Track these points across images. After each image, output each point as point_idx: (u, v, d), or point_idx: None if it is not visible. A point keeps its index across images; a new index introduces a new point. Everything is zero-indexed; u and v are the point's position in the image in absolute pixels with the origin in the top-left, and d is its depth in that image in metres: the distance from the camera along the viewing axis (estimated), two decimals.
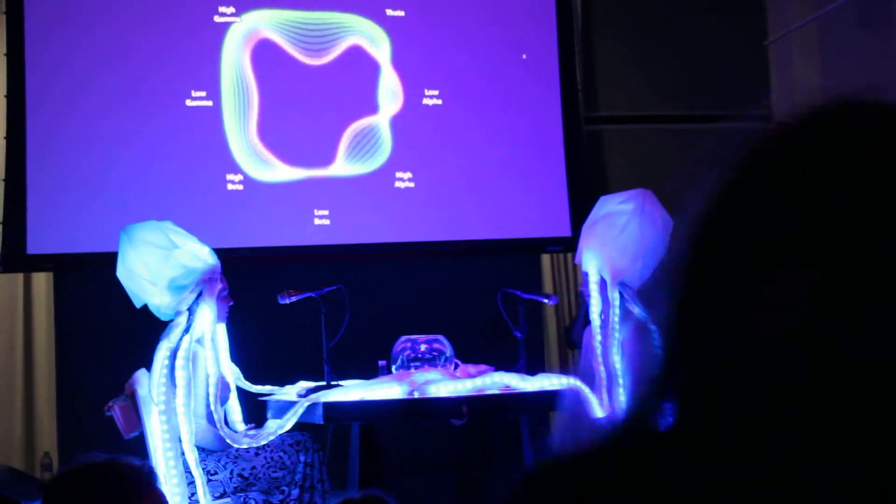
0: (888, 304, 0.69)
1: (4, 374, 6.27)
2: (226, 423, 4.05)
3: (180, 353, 3.85)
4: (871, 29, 7.34)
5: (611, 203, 4.39)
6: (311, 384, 4.21)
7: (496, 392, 4.02)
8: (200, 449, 3.92)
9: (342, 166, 6.55)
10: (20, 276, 6.33)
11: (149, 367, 3.96)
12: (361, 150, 6.59)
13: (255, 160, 6.44)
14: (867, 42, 7.37)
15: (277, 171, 6.45)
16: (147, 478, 2.05)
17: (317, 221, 6.46)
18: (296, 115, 6.52)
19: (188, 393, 3.83)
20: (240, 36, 6.49)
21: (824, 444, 0.70)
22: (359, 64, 6.65)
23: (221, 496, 3.94)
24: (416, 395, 3.94)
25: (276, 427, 3.93)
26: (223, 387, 4.06)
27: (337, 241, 6.45)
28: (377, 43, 6.66)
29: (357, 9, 6.64)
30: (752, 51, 7.66)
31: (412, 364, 4.29)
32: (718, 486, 0.72)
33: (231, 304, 4.19)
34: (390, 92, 6.65)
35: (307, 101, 6.55)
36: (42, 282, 6.37)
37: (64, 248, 6.17)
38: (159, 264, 3.91)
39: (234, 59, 6.47)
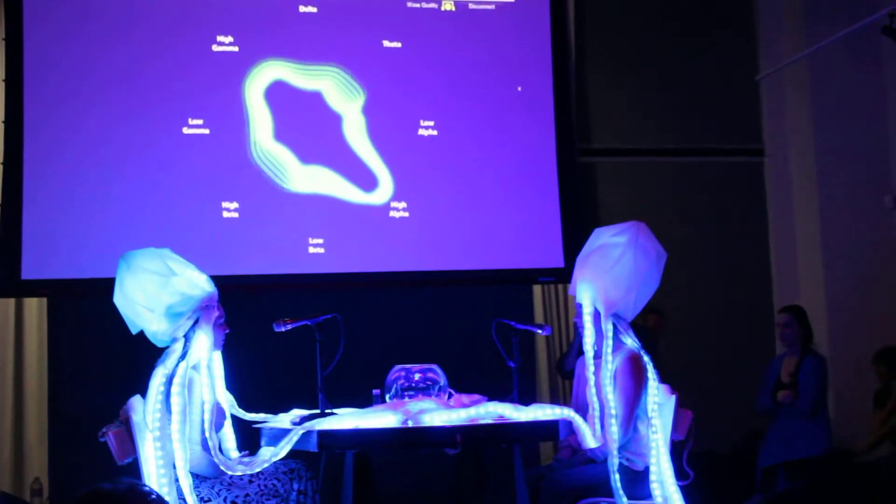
0: None
1: None
2: (220, 450, 4.05)
3: (176, 380, 3.86)
4: (861, 65, 7.43)
5: (605, 235, 4.41)
6: (306, 412, 4.21)
7: (490, 421, 4.03)
8: (194, 475, 3.92)
9: (339, 192, 6.59)
10: (11, 302, 6.34)
11: (143, 393, 3.97)
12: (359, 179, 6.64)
13: (252, 185, 6.48)
14: (857, 78, 7.46)
15: (274, 196, 6.49)
16: None
17: (311, 250, 6.49)
18: (292, 142, 6.56)
19: (183, 419, 3.83)
20: (239, 65, 6.54)
21: None
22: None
23: None
24: (410, 424, 3.94)
25: (270, 454, 3.93)
26: (218, 413, 4.06)
27: (331, 270, 6.48)
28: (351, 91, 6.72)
29: (354, 42, 6.70)
30: (743, 86, 7.75)
31: (406, 393, 4.30)
32: None
33: (227, 331, 4.20)
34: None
35: (304, 128, 6.60)
36: (34, 307, 6.38)
37: (59, 273, 6.19)
38: (157, 291, 3.92)
39: (232, 87, 6.51)
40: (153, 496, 2.08)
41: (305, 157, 6.56)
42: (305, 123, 6.58)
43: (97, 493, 2.06)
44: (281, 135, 6.54)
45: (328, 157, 6.59)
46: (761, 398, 6.01)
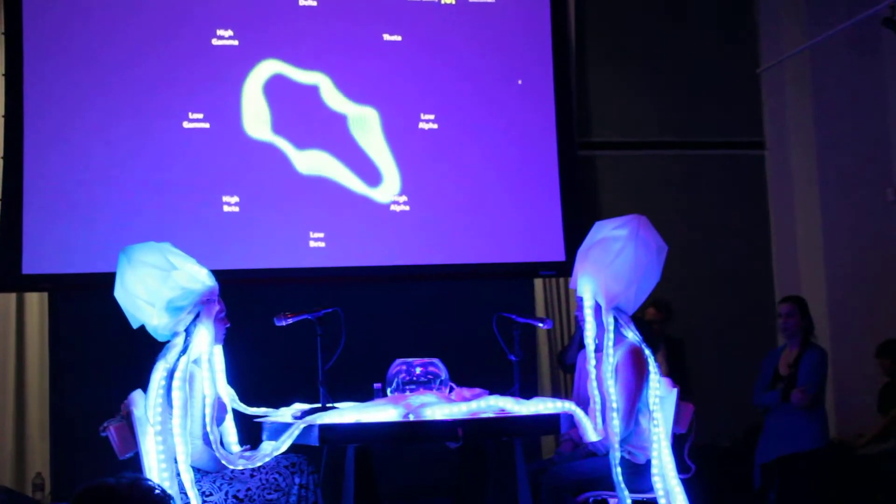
0: None
1: None
2: (221, 444, 4.05)
3: (177, 374, 3.86)
4: (861, 58, 7.42)
5: (606, 228, 4.41)
6: (307, 406, 4.21)
7: (491, 415, 4.03)
8: (196, 470, 3.92)
9: (341, 180, 6.59)
10: (12, 296, 6.34)
11: (144, 387, 3.97)
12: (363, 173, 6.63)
13: (253, 179, 6.47)
14: (858, 70, 7.45)
15: (275, 190, 6.49)
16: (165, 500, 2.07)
17: (312, 244, 6.48)
18: (292, 136, 6.55)
19: (184, 414, 3.83)
20: (238, 59, 6.53)
21: None
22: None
23: None
24: (412, 417, 3.94)
25: (272, 449, 3.92)
26: (219, 408, 4.06)
27: (332, 264, 6.48)
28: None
29: (354, 35, 6.68)
30: (744, 78, 7.74)
31: (407, 387, 4.30)
32: None
33: (228, 325, 4.20)
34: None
35: (304, 121, 6.59)
36: (35, 302, 6.38)
37: (59, 268, 6.18)
38: (158, 285, 3.92)
39: (232, 81, 6.50)
40: (157, 490, 2.08)
41: (305, 147, 6.55)
42: (305, 117, 6.58)
43: (100, 488, 2.05)
44: (280, 128, 6.53)
45: (329, 148, 6.58)
46: (759, 391, 5.96)
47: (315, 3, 6.65)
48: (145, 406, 3.92)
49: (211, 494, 3.94)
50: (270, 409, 4.39)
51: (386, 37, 6.75)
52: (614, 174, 7.47)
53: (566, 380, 6.84)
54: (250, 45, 6.54)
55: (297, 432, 3.87)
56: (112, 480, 2.08)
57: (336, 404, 4.21)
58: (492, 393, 4.21)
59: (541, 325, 4.83)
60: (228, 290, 4.30)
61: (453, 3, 6.85)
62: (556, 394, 6.72)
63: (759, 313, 7.58)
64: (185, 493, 3.79)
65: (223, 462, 3.91)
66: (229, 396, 4.28)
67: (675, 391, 4.32)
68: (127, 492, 2.05)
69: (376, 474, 4.51)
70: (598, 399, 4.23)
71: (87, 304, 6.21)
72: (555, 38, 7.01)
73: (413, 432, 3.96)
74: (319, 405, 4.16)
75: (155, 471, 3.80)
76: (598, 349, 4.32)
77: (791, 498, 5.74)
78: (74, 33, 6.34)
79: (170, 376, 3.86)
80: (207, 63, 6.48)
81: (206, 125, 6.44)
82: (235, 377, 4.35)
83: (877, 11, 6.37)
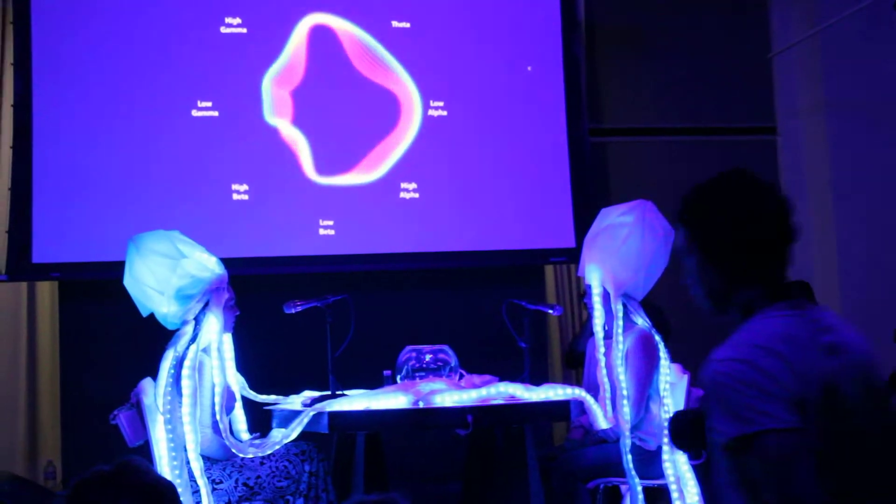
0: None
1: (8, 381, 6.28)
2: (231, 432, 4.06)
3: (186, 363, 3.86)
4: (873, 40, 7.36)
5: (611, 215, 4.39)
6: (316, 394, 4.22)
7: (501, 402, 4.03)
8: (205, 458, 3.93)
9: (347, 175, 6.57)
10: (24, 285, 6.35)
11: (154, 375, 3.98)
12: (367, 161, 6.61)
13: (262, 167, 6.46)
14: (869, 55, 7.39)
15: (285, 178, 6.47)
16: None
17: (322, 231, 6.47)
18: (305, 125, 6.54)
19: (194, 402, 3.84)
20: (247, 47, 6.51)
21: None
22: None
23: None
24: (421, 404, 3.95)
25: (282, 436, 3.94)
26: (229, 396, 4.07)
27: (342, 252, 6.46)
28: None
29: (363, 22, 6.66)
30: (755, 64, 7.69)
31: (417, 374, 4.30)
32: None
33: (237, 313, 4.20)
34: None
35: (312, 110, 6.58)
36: (46, 290, 6.39)
37: (69, 256, 6.19)
38: (167, 274, 3.92)
39: (241, 69, 6.49)
40: (143, 468, 2.08)
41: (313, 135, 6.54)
42: (312, 106, 6.56)
43: (90, 480, 2.06)
44: (287, 115, 6.52)
45: (335, 134, 6.56)
46: None
47: None
48: (155, 394, 3.93)
49: (221, 482, 3.95)
50: (280, 397, 4.40)
51: (395, 24, 6.72)
52: (625, 160, 7.43)
53: (579, 368, 6.82)
54: (259, 33, 6.51)
55: (306, 420, 3.88)
56: (108, 467, 2.09)
57: (346, 391, 4.22)
58: (502, 380, 4.21)
59: (551, 311, 4.83)
60: (238, 277, 4.31)
61: None
62: (567, 381, 6.71)
63: None
64: (195, 482, 3.80)
65: (233, 450, 3.92)
66: (239, 384, 4.29)
67: (685, 377, 4.31)
68: (115, 474, 2.05)
69: (386, 461, 4.52)
70: (607, 386, 4.23)
71: (97, 292, 6.22)
72: (564, 23, 6.96)
73: (423, 419, 3.97)
74: (329, 392, 4.16)
75: (165, 459, 3.81)
76: (608, 336, 4.30)
77: None
78: (83, 22, 6.33)
79: (179, 365, 3.87)
80: (216, 51, 6.46)
81: (215, 113, 6.43)
82: (245, 365, 4.36)
83: None
